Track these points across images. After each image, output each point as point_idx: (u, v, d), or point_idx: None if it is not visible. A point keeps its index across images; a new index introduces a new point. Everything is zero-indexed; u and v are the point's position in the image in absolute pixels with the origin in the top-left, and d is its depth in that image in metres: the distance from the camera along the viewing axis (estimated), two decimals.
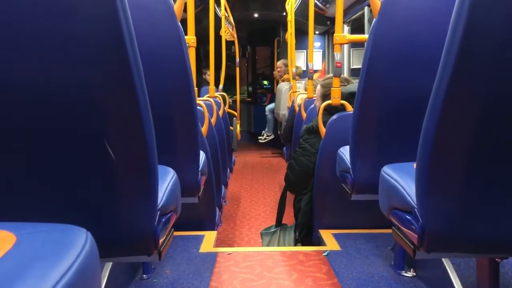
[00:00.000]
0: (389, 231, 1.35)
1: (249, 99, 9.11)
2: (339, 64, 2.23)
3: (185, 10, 1.81)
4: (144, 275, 1.83)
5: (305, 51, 7.32)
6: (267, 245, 2.75)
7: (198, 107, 1.96)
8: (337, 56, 2.25)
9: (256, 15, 7.93)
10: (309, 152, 2.46)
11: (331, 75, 2.60)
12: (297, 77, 5.26)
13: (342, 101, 2.24)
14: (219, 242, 2.91)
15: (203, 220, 2.55)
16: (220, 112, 3.72)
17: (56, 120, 0.84)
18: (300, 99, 3.84)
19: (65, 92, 0.82)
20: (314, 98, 3.13)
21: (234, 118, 6.15)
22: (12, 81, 0.79)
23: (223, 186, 3.52)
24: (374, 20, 1.56)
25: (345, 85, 2.44)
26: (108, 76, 0.83)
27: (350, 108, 2.20)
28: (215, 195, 2.63)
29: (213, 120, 2.93)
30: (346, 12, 5.66)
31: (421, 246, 1.08)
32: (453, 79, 0.86)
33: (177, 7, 1.59)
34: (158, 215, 1.03)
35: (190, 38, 2.08)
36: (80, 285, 0.57)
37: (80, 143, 0.87)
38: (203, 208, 2.47)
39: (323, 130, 2.29)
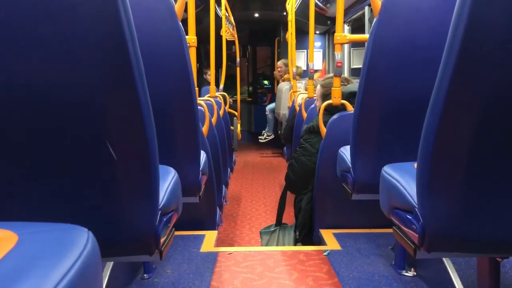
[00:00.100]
0: (390, 230, 1.35)
1: (250, 99, 9.11)
2: (339, 64, 2.23)
3: (185, 10, 1.81)
4: (145, 275, 1.83)
5: (305, 50, 7.32)
6: (266, 244, 2.76)
7: (198, 107, 1.96)
8: (338, 55, 2.25)
9: (256, 15, 7.93)
10: (310, 152, 2.46)
11: (331, 74, 2.60)
12: (297, 77, 5.26)
13: (343, 101, 2.24)
14: (219, 242, 2.91)
15: (203, 220, 2.55)
16: (221, 112, 3.72)
17: (57, 120, 0.84)
18: (300, 99, 3.84)
19: (66, 92, 0.82)
20: (315, 98, 3.13)
21: (235, 118, 6.15)
22: (13, 81, 0.80)
23: (223, 186, 3.52)
24: (375, 19, 1.56)
25: (345, 85, 2.44)
26: (109, 76, 0.83)
27: (350, 108, 2.20)
28: (216, 194, 2.63)
29: (213, 120, 2.93)
30: (347, 11, 5.66)
31: (422, 246, 1.08)
32: (454, 79, 0.86)
33: (178, 7, 1.59)
34: (159, 214, 1.03)
35: (191, 38, 2.08)
36: (81, 285, 0.57)
37: (81, 143, 0.87)
38: (203, 207, 2.47)
39: (323, 130, 2.29)
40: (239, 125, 6.46)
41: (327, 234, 2.35)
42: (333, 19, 6.78)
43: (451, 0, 0.91)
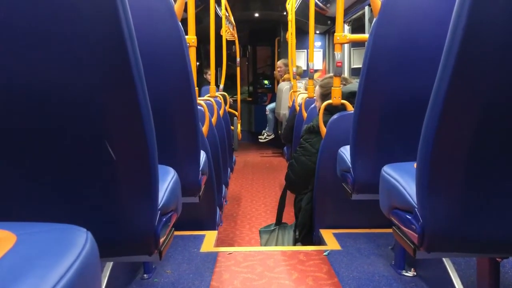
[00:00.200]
0: (390, 230, 1.35)
1: (250, 99, 9.10)
2: (339, 64, 2.23)
3: (185, 9, 1.81)
4: (145, 275, 1.83)
5: (305, 50, 7.32)
6: (265, 244, 2.76)
7: (198, 107, 1.96)
8: (338, 55, 2.25)
9: (256, 15, 7.93)
10: (310, 151, 2.46)
11: (330, 74, 2.60)
12: (297, 77, 5.26)
13: (343, 101, 2.24)
14: (219, 242, 2.91)
15: (203, 220, 2.55)
16: (221, 112, 3.72)
17: (56, 120, 0.84)
18: (300, 98, 3.84)
19: (65, 92, 0.82)
20: (315, 98, 3.13)
21: (235, 117, 6.15)
22: (12, 81, 0.79)
23: (223, 186, 3.52)
24: (375, 19, 1.56)
25: (344, 85, 2.44)
26: (109, 76, 0.83)
27: (350, 108, 2.20)
28: (216, 194, 2.63)
29: (213, 119, 2.93)
30: (347, 11, 5.66)
31: (422, 246, 1.08)
32: (453, 79, 0.86)
33: (177, 7, 1.59)
34: (158, 214, 1.03)
35: (191, 38, 2.08)
36: (80, 285, 0.57)
37: (81, 143, 0.87)
38: (203, 207, 2.47)
39: (323, 129, 2.29)
40: (239, 125, 6.46)
41: (327, 234, 2.35)
42: (333, 19, 6.78)
43: (450, 0, 0.90)
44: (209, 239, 2.30)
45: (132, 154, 0.92)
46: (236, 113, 6.27)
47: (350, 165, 1.78)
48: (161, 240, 1.05)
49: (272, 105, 7.15)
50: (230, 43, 6.79)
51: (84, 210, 0.94)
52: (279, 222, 2.84)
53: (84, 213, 0.95)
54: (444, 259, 1.61)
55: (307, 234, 2.55)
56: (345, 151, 1.89)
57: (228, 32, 5.73)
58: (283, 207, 2.89)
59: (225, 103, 4.49)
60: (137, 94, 0.85)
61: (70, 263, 0.57)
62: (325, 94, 2.47)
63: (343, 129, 2.06)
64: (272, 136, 7.33)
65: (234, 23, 6.25)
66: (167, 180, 1.24)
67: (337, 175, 1.99)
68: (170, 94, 1.59)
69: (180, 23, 1.55)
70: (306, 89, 4.11)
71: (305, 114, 3.31)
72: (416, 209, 1.08)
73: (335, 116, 2.23)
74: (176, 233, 1.86)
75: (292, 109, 4.46)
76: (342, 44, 2.21)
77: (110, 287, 1.57)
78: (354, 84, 2.40)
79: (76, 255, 0.59)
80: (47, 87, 0.81)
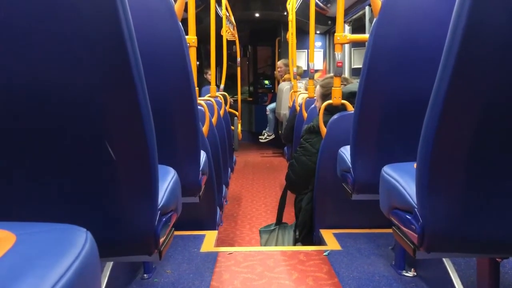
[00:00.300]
0: (390, 231, 1.35)
1: (250, 99, 9.10)
2: (340, 64, 2.23)
3: (185, 9, 1.81)
4: (145, 275, 1.83)
5: (306, 50, 7.33)
6: (265, 243, 2.76)
7: (199, 107, 1.96)
8: (338, 55, 2.25)
9: (257, 15, 7.93)
10: (310, 152, 2.46)
11: (330, 74, 2.60)
12: (298, 77, 5.26)
13: (343, 101, 2.24)
14: (220, 242, 2.91)
15: (204, 220, 2.55)
16: (221, 112, 3.72)
17: (56, 120, 0.84)
18: (301, 99, 3.84)
19: (65, 92, 0.82)
20: (315, 98, 3.13)
21: (235, 117, 6.15)
22: (12, 81, 0.80)
23: (224, 186, 3.52)
24: (375, 19, 1.56)
25: (345, 85, 2.44)
26: (109, 76, 0.83)
27: (350, 108, 2.20)
28: (216, 194, 2.63)
29: (214, 119, 2.93)
30: (347, 11, 5.66)
31: (421, 246, 1.08)
32: (454, 79, 0.86)
33: (177, 7, 1.59)
34: (158, 214, 1.03)
35: (191, 38, 2.08)
36: (79, 285, 0.57)
37: (81, 143, 0.87)
38: (204, 207, 2.47)
39: (324, 130, 2.29)
40: (239, 125, 6.47)
41: (327, 234, 2.35)
42: (333, 19, 6.77)
43: (450, 0, 0.90)
44: (209, 239, 2.30)
45: (132, 154, 0.92)
46: (237, 113, 6.28)
47: (350, 165, 1.78)
48: (161, 240, 1.05)
49: (272, 105, 7.15)
50: (231, 43, 6.79)
51: (84, 210, 0.94)
52: (279, 222, 2.84)
53: (84, 213, 0.95)
54: (444, 259, 1.61)
55: (307, 234, 2.55)
56: (345, 151, 1.89)
57: (229, 32, 5.74)
58: (283, 207, 2.89)
59: (226, 103, 4.49)
60: (137, 94, 0.85)
61: (70, 263, 0.57)
62: (326, 94, 2.47)
63: (343, 129, 2.06)
64: (273, 136, 7.33)
65: (234, 23, 6.25)
66: (167, 180, 1.24)
67: (337, 175, 1.99)
68: (170, 94, 1.59)
69: (180, 23, 1.55)
70: (306, 89, 4.11)
71: (305, 114, 3.31)
72: (416, 209, 1.08)
73: (335, 116, 2.23)
74: (176, 233, 1.86)
75: (293, 109, 4.46)
76: (342, 44, 2.21)
77: (110, 287, 1.57)
78: (355, 84, 2.40)
79: (75, 255, 0.59)
80: (47, 87, 0.81)
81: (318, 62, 7.65)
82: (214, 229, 2.56)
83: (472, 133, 0.91)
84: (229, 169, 4.32)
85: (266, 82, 9.01)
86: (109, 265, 1.58)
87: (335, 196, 2.29)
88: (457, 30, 0.83)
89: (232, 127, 5.55)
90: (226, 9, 4.93)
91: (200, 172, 1.78)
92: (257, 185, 5.23)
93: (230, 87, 7.53)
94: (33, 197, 0.92)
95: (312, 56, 3.87)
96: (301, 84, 5.16)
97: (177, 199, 1.27)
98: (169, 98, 1.59)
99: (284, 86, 5.96)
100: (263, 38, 8.93)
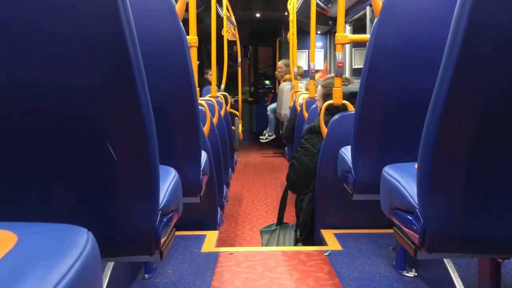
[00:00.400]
0: (391, 231, 1.35)
1: (251, 99, 9.10)
2: (340, 64, 2.23)
3: (186, 9, 1.81)
4: (146, 275, 1.83)
5: (307, 51, 7.33)
6: (266, 244, 2.76)
7: (200, 107, 1.96)
8: (339, 56, 2.25)
9: (258, 15, 7.93)
10: (311, 152, 2.46)
11: (331, 75, 2.60)
12: (298, 77, 5.26)
13: (344, 101, 2.24)
14: (220, 242, 2.91)
15: (204, 220, 2.55)
16: (222, 112, 3.72)
17: (57, 120, 0.84)
18: (301, 99, 3.84)
19: (66, 92, 0.82)
20: (316, 98, 3.13)
21: (236, 118, 6.15)
22: (12, 81, 0.80)
23: (224, 186, 3.52)
24: (376, 20, 1.56)
25: (346, 85, 2.44)
26: (109, 76, 0.83)
27: (351, 108, 2.20)
28: (217, 195, 2.63)
29: (214, 120, 2.93)
30: (348, 12, 5.66)
31: (422, 246, 1.07)
32: (455, 79, 0.86)
33: (179, 7, 1.59)
34: (159, 215, 1.03)
35: (192, 38, 2.08)
36: (81, 285, 0.57)
37: (82, 143, 0.87)
38: (204, 208, 2.47)
39: (324, 130, 2.29)
40: (240, 125, 6.47)
41: (328, 234, 2.35)
42: (334, 19, 6.77)
43: (451, 0, 0.90)
44: (210, 239, 2.31)
45: (133, 154, 0.92)
46: (237, 113, 6.28)
47: (351, 166, 1.78)
48: (162, 240, 1.05)
49: (273, 105, 7.15)
50: (231, 43, 6.79)
51: (85, 210, 0.94)
52: (280, 222, 2.84)
53: (85, 213, 0.95)
54: (445, 259, 1.61)
55: (308, 234, 2.55)
56: (346, 152, 1.89)
57: (230, 32, 5.74)
58: (284, 207, 2.89)
59: (226, 103, 4.49)
60: (138, 94, 0.85)
61: (71, 263, 0.57)
62: (327, 94, 2.47)
63: (344, 129, 2.06)
64: (273, 136, 7.33)
65: (235, 23, 6.26)
66: (168, 180, 1.24)
67: (338, 175, 1.99)
68: (171, 94, 1.59)
69: (181, 23, 1.55)
70: (307, 89, 4.12)
71: (306, 114, 3.31)
72: (417, 210, 1.08)
73: (336, 117, 2.22)
74: (177, 233, 1.85)
75: (293, 109, 4.46)
76: (343, 44, 2.21)
77: (111, 287, 1.57)
78: (355, 85, 2.40)
79: (77, 255, 0.60)
80: (47, 87, 0.81)
81: (319, 62, 7.64)
82: (215, 229, 2.56)
83: (474, 133, 0.91)
84: (230, 169, 4.32)
85: (267, 82, 9.01)
86: (110, 265, 1.58)
87: (336, 196, 2.29)
88: (459, 30, 0.83)
89: (233, 127, 5.56)
90: (227, 9, 4.94)
91: (201, 172, 1.78)
92: (258, 185, 5.23)
93: (231, 87, 7.54)
94: (34, 197, 0.92)
95: (312, 56, 3.87)
96: (301, 84, 5.17)
97: (178, 199, 1.27)
98: (170, 98, 1.59)
99: (284, 86, 5.96)
100: (264, 38, 8.93)
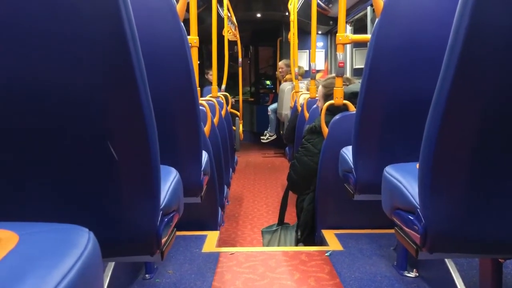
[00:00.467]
0: (392, 231, 1.34)
1: (252, 99, 9.11)
2: (341, 64, 2.23)
3: (187, 10, 1.81)
4: (146, 275, 1.83)
5: (307, 51, 7.32)
6: (268, 244, 2.75)
7: (200, 107, 1.96)
8: (340, 56, 2.25)
9: (258, 15, 7.93)
10: (312, 152, 2.46)
11: (332, 75, 2.60)
12: (299, 77, 5.26)
13: (345, 101, 2.24)
14: (221, 242, 2.91)
15: (205, 220, 2.55)
16: (223, 112, 3.72)
17: (57, 120, 0.84)
18: (302, 99, 3.84)
19: (67, 92, 0.82)
20: (317, 98, 3.13)
21: (237, 118, 6.15)
22: (13, 81, 0.80)
23: (225, 186, 3.52)
24: (377, 20, 1.56)
25: (347, 85, 2.44)
26: (111, 76, 0.83)
27: (352, 108, 2.20)
28: (218, 195, 2.63)
29: (215, 120, 2.93)
30: (349, 12, 5.65)
31: (424, 247, 1.07)
32: (456, 79, 0.86)
33: (179, 7, 1.59)
34: (160, 215, 1.03)
35: (193, 38, 2.08)
36: (82, 285, 0.57)
37: (83, 143, 0.87)
38: (205, 208, 2.47)
39: (325, 130, 2.29)
40: (241, 125, 6.47)
41: (329, 235, 2.35)
42: (335, 19, 6.76)
43: (453, 0, 0.90)
44: (211, 240, 2.30)
45: (134, 154, 0.92)
46: (238, 113, 6.28)
47: (352, 166, 1.78)
48: (163, 240, 1.05)
49: (274, 105, 7.15)
50: (232, 44, 6.79)
51: (85, 210, 0.94)
52: (281, 222, 2.84)
53: (86, 213, 0.95)
54: (446, 259, 1.61)
55: (309, 235, 2.55)
56: (347, 152, 1.88)
57: (230, 32, 5.74)
58: (285, 208, 2.89)
59: (227, 104, 4.49)
60: (140, 95, 0.85)
61: (72, 263, 0.57)
62: (328, 94, 2.47)
63: (345, 129, 2.05)
64: (274, 137, 7.33)
65: (236, 24, 6.26)
66: (169, 180, 1.24)
67: (339, 175, 1.99)
68: (172, 94, 1.59)
69: (182, 24, 1.55)
70: (308, 89, 4.11)
71: (307, 115, 3.31)
72: (418, 210, 1.08)
73: (337, 117, 2.22)
74: (178, 233, 1.86)
75: (294, 109, 4.45)
76: (344, 44, 2.21)
77: (112, 287, 1.57)
78: (356, 85, 2.40)
79: (78, 255, 0.59)
80: (48, 87, 0.81)
81: (320, 62, 7.63)
82: (215, 229, 2.56)
83: (475, 133, 0.91)
84: (231, 169, 4.32)
85: (268, 82, 9.02)
86: (111, 265, 1.58)
87: (337, 197, 2.28)
88: (460, 30, 0.83)
89: (234, 127, 5.55)
90: (228, 9, 4.94)
91: (202, 172, 1.78)
92: (259, 185, 5.23)
93: (232, 87, 7.54)
94: (35, 197, 0.91)
95: (313, 57, 3.87)
96: (302, 85, 5.16)
97: (179, 199, 1.27)
98: (171, 98, 1.59)
99: (285, 86, 5.96)
100: (264, 39, 8.93)
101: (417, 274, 1.82)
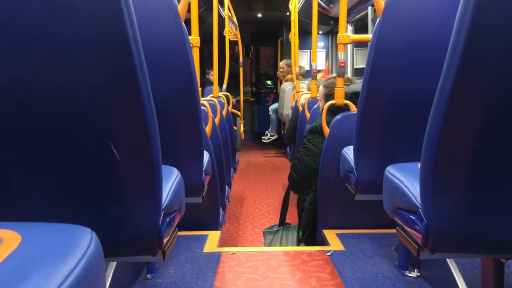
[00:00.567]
0: (393, 231, 1.34)
1: (253, 99, 9.11)
2: (342, 64, 2.23)
3: (188, 10, 1.81)
4: (148, 275, 1.84)
5: (308, 51, 7.32)
6: (269, 244, 2.75)
7: (202, 107, 1.96)
8: (341, 56, 2.25)
9: (259, 15, 7.93)
10: (313, 152, 2.46)
11: (333, 75, 2.60)
12: (300, 77, 5.26)
13: (346, 101, 2.24)
14: (223, 242, 2.91)
15: (207, 220, 2.56)
16: (224, 112, 3.72)
17: (58, 120, 0.84)
18: (303, 99, 3.84)
19: (67, 92, 0.82)
20: (318, 98, 3.13)
21: (238, 118, 6.15)
22: (13, 81, 0.80)
23: (226, 186, 3.52)
24: (378, 20, 1.56)
25: (348, 85, 2.44)
26: (113, 77, 0.83)
27: (353, 108, 2.20)
28: (219, 195, 2.63)
29: (216, 120, 2.93)
30: (350, 12, 5.65)
31: (425, 246, 1.07)
32: (458, 79, 0.86)
33: (181, 7, 1.59)
34: (162, 215, 1.03)
35: (194, 38, 2.08)
36: (85, 285, 0.57)
37: (85, 143, 0.87)
38: (207, 208, 2.47)
39: (326, 130, 2.29)
40: (242, 125, 6.47)
41: (330, 235, 2.35)
42: (336, 19, 6.76)
43: (454, 0, 0.90)
44: (212, 239, 2.31)
45: (135, 154, 0.92)
46: (239, 113, 6.28)
47: (354, 166, 1.78)
48: (165, 240, 1.05)
49: (275, 105, 7.15)
50: (233, 44, 6.79)
51: (87, 210, 0.94)
52: (282, 222, 2.84)
53: (88, 213, 0.95)
54: (448, 259, 1.60)
55: (310, 235, 2.55)
56: (349, 152, 1.88)
57: (231, 32, 5.74)
58: (286, 208, 2.89)
59: (228, 104, 4.49)
60: (141, 95, 0.85)
61: (75, 263, 0.57)
62: (329, 94, 2.47)
63: (346, 129, 2.06)
64: (275, 137, 7.34)
65: (237, 24, 6.26)
66: (171, 180, 1.24)
67: (340, 175, 1.99)
68: (173, 95, 1.59)
69: (183, 24, 1.55)
70: (308, 89, 4.11)
71: (308, 115, 3.31)
72: (420, 210, 1.08)
73: (338, 117, 2.22)
74: (179, 233, 1.85)
75: (295, 109, 4.45)
76: (345, 44, 2.21)
77: (114, 287, 1.57)
78: (357, 85, 2.40)
79: (80, 255, 0.60)
80: (48, 87, 0.81)
81: (321, 62, 7.63)
82: (217, 229, 2.56)
83: (477, 133, 0.91)
84: (232, 170, 4.32)
85: (269, 82, 9.02)
86: (113, 265, 1.58)
87: (338, 197, 2.29)
88: (462, 30, 0.83)
89: (235, 127, 5.56)
90: (229, 9, 4.94)
91: (203, 172, 1.78)
92: (260, 185, 5.23)
93: (233, 88, 7.54)
94: (36, 198, 0.92)
95: (314, 56, 3.87)
96: (303, 84, 5.16)
97: (181, 199, 1.27)
98: (172, 98, 1.59)
99: (286, 86, 5.96)
100: (265, 39, 8.94)
101: (419, 274, 1.82)
